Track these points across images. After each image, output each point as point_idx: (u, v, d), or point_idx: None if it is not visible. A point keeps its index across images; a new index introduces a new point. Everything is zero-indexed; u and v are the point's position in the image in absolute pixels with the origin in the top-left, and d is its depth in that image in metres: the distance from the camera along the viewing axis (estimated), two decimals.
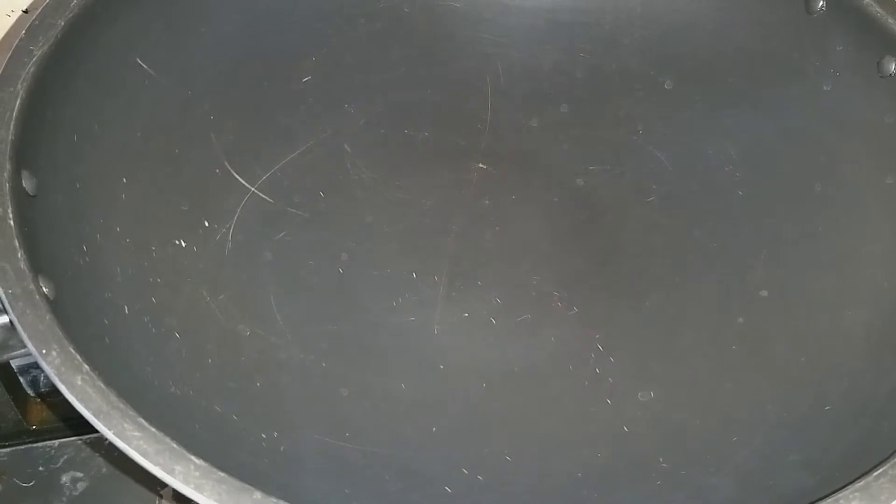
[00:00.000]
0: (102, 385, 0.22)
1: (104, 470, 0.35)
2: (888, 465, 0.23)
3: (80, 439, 0.36)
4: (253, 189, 0.35)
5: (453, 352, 0.33)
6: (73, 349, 0.22)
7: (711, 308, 0.34)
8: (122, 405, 0.22)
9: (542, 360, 0.33)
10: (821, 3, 0.35)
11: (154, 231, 0.31)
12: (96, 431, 0.21)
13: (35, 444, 0.35)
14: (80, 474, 0.35)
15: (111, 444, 0.21)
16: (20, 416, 0.35)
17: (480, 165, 0.39)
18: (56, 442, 0.35)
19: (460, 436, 0.30)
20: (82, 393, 0.22)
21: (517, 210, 0.38)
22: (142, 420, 0.22)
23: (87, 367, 0.22)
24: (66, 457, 0.35)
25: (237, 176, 0.35)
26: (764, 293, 0.33)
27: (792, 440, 0.28)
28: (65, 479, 0.34)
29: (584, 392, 0.32)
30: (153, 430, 0.21)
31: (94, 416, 0.21)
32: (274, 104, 0.37)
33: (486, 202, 0.37)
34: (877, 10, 0.34)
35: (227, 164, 0.35)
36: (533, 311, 0.34)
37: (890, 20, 0.34)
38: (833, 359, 0.30)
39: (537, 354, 0.33)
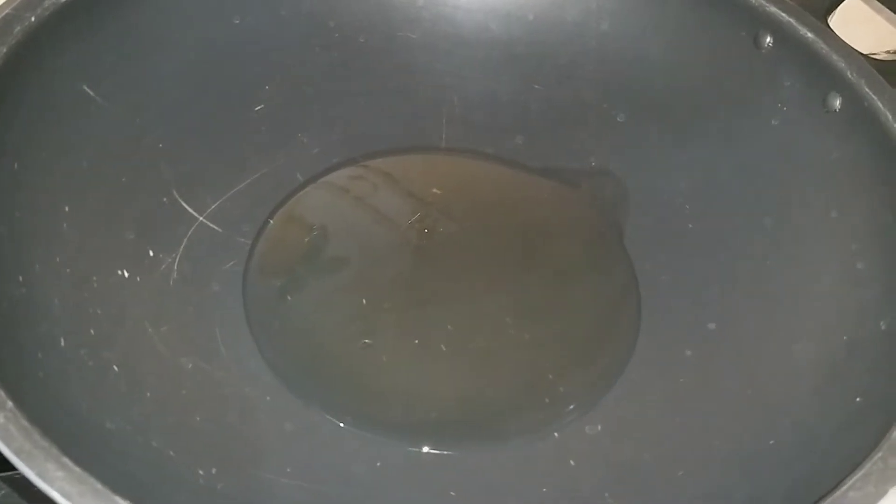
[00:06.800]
0: (26, 423, 0.21)
1: None
2: (827, 501, 0.23)
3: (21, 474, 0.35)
4: (201, 218, 0.34)
5: (402, 381, 0.32)
6: None
7: (661, 340, 0.34)
8: (45, 444, 0.21)
9: (492, 388, 0.33)
10: (768, 38, 0.36)
11: (97, 261, 0.31)
12: None
13: None
14: None
15: None
16: None
17: (435, 191, 0.39)
18: None
19: (406, 472, 0.30)
20: (3, 431, 0.21)
21: (471, 237, 0.38)
22: (66, 459, 0.21)
23: (11, 403, 0.22)
24: (2, 492, 0.34)
25: (185, 205, 0.34)
26: (712, 326, 0.33)
27: (738, 476, 0.28)
28: None
29: (532, 424, 0.32)
30: (78, 470, 0.21)
31: (16, 455, 0.21)
32: (225, 133, 0.36)
33: (440, 229, 0.37)
34: (822, 46, 0.35)
35: (175, 192, 0.34)
36: (485, 337, 0.34)
37: (835, 56, 0.34)
38: (779, 393, 0.30)
39: (487, 382, 0.33)
